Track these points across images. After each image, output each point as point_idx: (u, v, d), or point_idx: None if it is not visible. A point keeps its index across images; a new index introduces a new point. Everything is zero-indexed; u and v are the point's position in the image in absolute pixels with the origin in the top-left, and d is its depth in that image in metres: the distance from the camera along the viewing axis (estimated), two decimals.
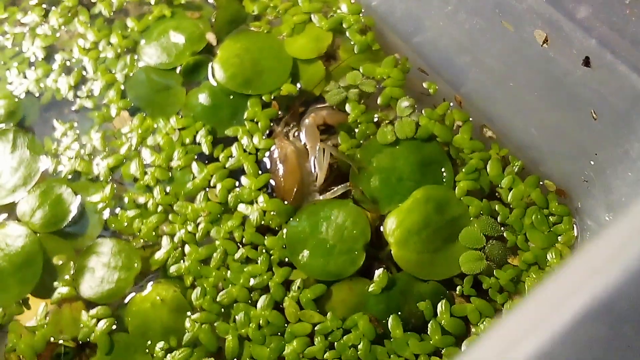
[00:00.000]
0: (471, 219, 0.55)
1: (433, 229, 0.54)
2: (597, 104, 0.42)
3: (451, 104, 0.58)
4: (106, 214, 0.59)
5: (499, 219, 0.54)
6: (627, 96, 0.39)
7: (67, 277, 0.57)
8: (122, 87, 0.64)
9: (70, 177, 0.61)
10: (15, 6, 0.71)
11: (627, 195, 0.44)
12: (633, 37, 0.38)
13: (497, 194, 0.56)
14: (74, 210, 0.59)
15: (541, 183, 0.55)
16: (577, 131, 0.46)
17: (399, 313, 0.52)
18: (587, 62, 0.40)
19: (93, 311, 0.55)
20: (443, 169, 0.57)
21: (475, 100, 0.57)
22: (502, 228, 0.54)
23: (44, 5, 0.70)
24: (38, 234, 0.59)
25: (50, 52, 0.67)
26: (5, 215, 0.60)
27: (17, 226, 0.59)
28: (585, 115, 0.44)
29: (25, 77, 0.66)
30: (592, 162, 0.47)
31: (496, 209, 0.55)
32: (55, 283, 0.57)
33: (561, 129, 0.48)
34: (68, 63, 0.66)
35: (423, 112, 0.59)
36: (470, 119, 0.58)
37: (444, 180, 0.56)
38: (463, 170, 0.56)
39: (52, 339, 0.55)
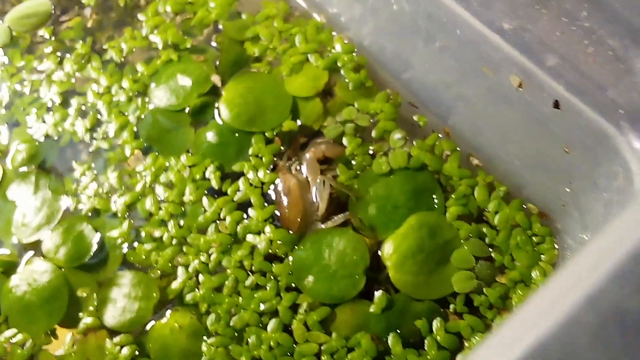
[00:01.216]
0: (461, 241, 0.59)
1: (427, 253, 0.59)
2: (568, 140, 0.47)
3: (440, 135, 0.63)
4: (125, 248, 0.64)
5: (487, 240, 0.59)
6: (592, 134, 0.44)
7: (91, 308, 0.62)
8: (135, 129, 0.69)
9: (90, 214, 0.66)
10: (31, 54, 0.76)
11: (601, 215, 0.49)
12: (596, 83, 0.42)
13: (484, 217, 0.60)
14: (94, 246, 0.64)
15: (524, 206, 0.59)
16: (553, 162, 0.51)
17: (398, 331, 0.57)
18: (556, 104, 0.45)
19: (116, 339, 0.60)
20: (434, 196, 0.62)
21: (462, 131, 0.61)
22: (490, 249, 0.59)
23: (58, 53, 0.75)
24: (62, 269, 0.63)
25: (66, 97, 0.72)
26: (31, 252, 0.65)
27: (43, 262, 0.64)
28: (559, 149, 0.48)
29: (44, 122, 0.71)
30: (567, 189, 0.51)
31: (484, 231, 0.59)
32: (81, 314, 0.62)
33: (539, 159, 0.53)
34: (83, 107, 0.71)
35: (414, 143, 0.63)
36: (458, 148, 0.62)
37: (436, 206, 0.61)
38: (453, 196, 0.61)
39: None
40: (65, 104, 0.72)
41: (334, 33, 0.70)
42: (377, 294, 0.58)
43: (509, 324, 0.37)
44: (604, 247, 0.37)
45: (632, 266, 0.33)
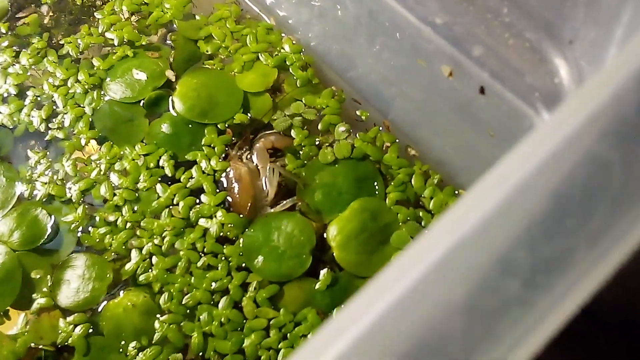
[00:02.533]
0: (400, 224, 0.64)
1: (369, 234, 0.64)
2: (493, 124, 0.53)
3: (380, 128, 0.68)
4: (79, 232, 0.66)
5: (423, 223, 0.64)
6: (513, 116, 0.50)
7: (45, 289, 0.64)
8: (90, 119, 0.71)
9: (44, 200, 0.68)
10: None
11: None
12: (515, 70, 0.48)
13: (421, 202, 0.65)
14: (49, 230, 0.66)
15: (456, 192, 0.65)
16: (481, 148, 0.57)
17: (342, 306, 0.61)
18: (482, 90, 0.51)
19: (70, 318, 0.62)
20: (375, 183, 0.67)
21: (400, 124, 0.67)
22: (426, 231, 0.64)
23: (14, 47, 0.77)
24: (16, 252, 0.65)
25: (22, 89, 0.74)
26: None
27: None
28: (485, 134, 0.54)
29: None
30: None
31: (421, 215, 0.65)
32: (34, 295, 0.63)
33: (469, 146, 0.59)
34: (39, 98, 0.73)
35: (357, 135, 0.68)
36: (397, 140, 0.67)
37: (377, 192, 0.66)
38: (392, 183, 0.66)
39: (32, 345, 0.61)
40: (21, 95, 0.74)
41: (283, 34, 0.74)
42: (323, 272, 0.62)
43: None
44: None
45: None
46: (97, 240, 0.65)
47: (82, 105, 0.72)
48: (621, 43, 0.39)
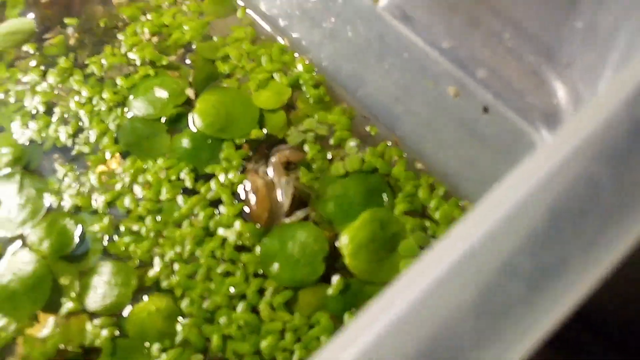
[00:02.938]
0: (408, 233, 0.68)
1: (378, 243, 0.68)
2: (495, 141, 0.57)
3: (389, 144, 0.72)
4: (105, 241, 0.70)
5: (429, 232, 0.68)
6: (514, 134, 0.54)
7: (73, 294, 0.67)
8: (115, 135, 0.76)
9: (72, 211, 0.72)
10: (16, 67, 0.82)
11: None
12: (517, 91, 0.53)
13: (427, 213, 0.69)
14: (76, 239, 0.70)
15: (461, 203, 0.69)
16: (483, 162, 0.61)
17: (353, 310, 0.65)
18: (485, 110, 0.55)
19: (97, 321, 0.66)
20: (384, 195, 0.71)
21: (408, 140, 0.71)
22: (432, 239, 0.68)
23: (42, 67, 0.81)
24: (46, 260, 0.69)
25: (49, 106, 0.78)
26: (17, 245, 0.70)
27: (28, 253, 0.69)
28: (488, 150, 0.58)
29: (28, 128, 0.77)
30: None
31: (427, 225, 0.69)
32: (63, 300, 0.67)
33: (472, 160, 0.63)
34: (66, 115, 0.78)
35: (367, 150, 0.72)
36: (405, 155, 0.72)
37: (385, 203, 0.70)
38: (400, 195, 0.70)
39: (61, 347, 0.65)
40: (48, 112, 0.78)
41: (296, 55, 0.79)
42: (335, 278, 0.66)
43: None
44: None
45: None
46: (122, 248, 0.69)
47: (106, 122, 0.76)
48: (616, 67, 0.43)
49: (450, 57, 0.55)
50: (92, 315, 0.66)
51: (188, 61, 0.80)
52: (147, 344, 0.64)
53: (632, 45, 0.40)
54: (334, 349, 0.29)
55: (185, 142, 0.74)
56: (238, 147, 0.74)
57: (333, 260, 0.67)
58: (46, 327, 0.66)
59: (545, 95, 0.50)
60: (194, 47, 0.81)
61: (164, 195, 0.71)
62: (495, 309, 0.29)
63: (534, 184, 0.31)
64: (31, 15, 0.86)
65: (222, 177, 0.72)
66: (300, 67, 0.78)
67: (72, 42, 0.84)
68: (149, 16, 0.84)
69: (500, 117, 0.53)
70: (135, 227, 0.70)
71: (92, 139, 0.76)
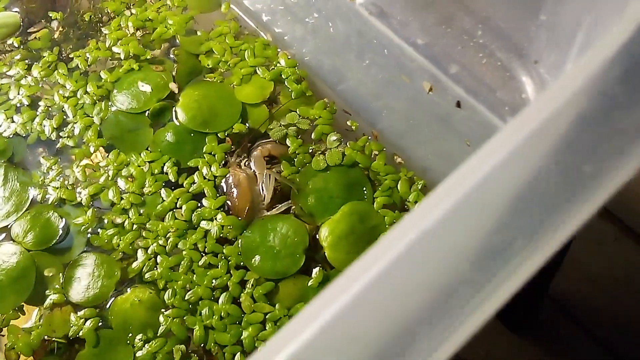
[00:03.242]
0: (387, 226, 0.69)
1: (358, 235, 0.69)
2: (469, 134, 0.58)
3: (369, 138, 0.74)
4: (89, 233, 0.71)
5: None
6: (485, 128, 0.55)
7: (57, 286, 0.68)
8: (99, 128, 0.76)
9: (56, 203, 0.73)
10: (0, 61, 0.82)
11: None
12: (488, 86, 0.54)
13: (406, 206, 0.71)
14: (60, 231, 0.71)
15: None
16: (458, 155, 0.62)
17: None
18: (458, 104, 0.56)
19: (81, 313, 0.67)
20: (364, 189, 0.72)
21: (387, 134, 0.72)
22: None
23: (26, 61, 0.82)
24: (30, 252, 0.70)
25: (34, 100, 0.79)
26: (1, 237, 0.71)
27: (12, 245, 0.70)
28: (462, 144, 0.60)
29: (12, 121, 0.78)
30: None
31: None
32: (47, 291, 0.68)
33: (448, 154, 0.64)
34: (50, 109, 0.78)
35: (348, 144, 0.74)
36: (384, 149, 0.73)
37: (365, 197, 0.71)
38: (380, 189, 0.71)
39: (46, 337, 0.66)
40: (33, 105, 0.79)
41: (279, 50, 0.80)
42: (315, 270, 0.67)
43: None
44: None
45: None
46: (106, 240, 0.70)
47: (90, 115, 0.77)
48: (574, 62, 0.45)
49: (425, 53, 0.56)
50: (76, 306, 0.67)
51: (172, 56, 0.81)
52: (130, 334, 0.66)
53: (588, 42, 0.41)
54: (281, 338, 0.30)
55: (168, 136, 0.75)
56: (221, 140, 0.75)
57: (313, 253, 0.69)
58: (31, 318, 0.67)
59: (515, 91, 0.51)
60: (177, 41, 0.82)
61: (148, 188, 0.72)
62: (444, 289, 0.30)
63: (486, 172, 0.32)
64: (16, 9, 0.87)
65: (204, 171, 0.73)
66: (282, 62, 0.79)
67: (56, 35, 0.84)
68: (133, 10, 0.85)
69: (473, 112, 0.55)
70: (118, 220, 0.71)
71: (77, 132, 0.77)
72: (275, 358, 0.28)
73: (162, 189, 0.72)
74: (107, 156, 0.75)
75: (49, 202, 0.73)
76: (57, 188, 0.73)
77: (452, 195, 0.32)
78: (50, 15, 0.85)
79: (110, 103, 0.78)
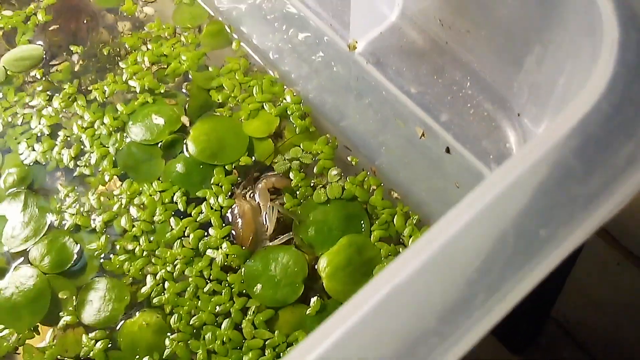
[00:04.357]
0: (382, 258, 0.73)
1: (355, 267, 0.72)
2: (458, 177, 0.62)
3: (368, 173, 0.77)
4: (101, 258, 0.75)
5: None
6: (473, 173, 0.59)
7: (70, 308, 0.73)
8: (114, 158, 0.81)
9: (72, 229, 0.77)
10: (24, 92, 0.88)
11: None
12: (474, 135, 0.57)
13: (401, 240, 0.74)
14: (75, 256, 0.75)
15: None
16: (449, 195, 0.66)
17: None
18: (448, 150, 0.60)
19: (92, 334, 0.71)
20: (362, 222, 0.76)
21: (385, 170, 0.76)
22: None
23: (48, 92, 0.87)
24: (46, 275, 0.74)
25: (54, 130, 0.84)
26: (19, 260, 0.76)
27: (29, 269, 0.75)
28: (452, 185, 0.63)
29: (33, 150, 0.83)
30: None
31: (401, 251, 0.73)
32: (61, 313, 0.72)
33: (441, 192, 0.68)
34: (69, 138, 0.83)
35: (347, 178, 0.77)
36: (382, 184, 0.76)
37: (363, 230, 0.75)
38: (377, 222, 0.75)
39: (59, 357, 0.70)
40: (53, 135, 0.84)
41: (285, 86, 0.84)
42: (313, 299, 0.71)
43: None
44: None
45: None
46: (117, 266, 0.74)
47: (106, 146, 0.82)
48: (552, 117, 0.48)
49: (417, 100, 0.60)
50: (88, 328, 0.72)
51: (184, 90, 0.86)
52: (137, 356, 0.70)
53: (564, 99, 0.45)
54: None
55: (179, 167, 0.80)
56: (228, 172, 0.79)
57: (312, 282, 0.72)
58: (45, 338, 0.71)
59: (499, 140, 0.55)
60: (190, 76, 0.87)
61: (158, 216, 0.77)
62: (413, 339, 0.34)
63: (455, 233, 0.36)
64: (40, 42, 0.92)
65: (212, 201, 0.77)
66: (288, 99, 0.83)
67: (77, 68, 0.89)
68: (149, 46, 0.90)
69: (461, 157, 0.58)
70: (130, 247, 0.75)
71: (93, 161, 0.81)
72: None
73: (172, 218, 0.76)
74: (121, 185, 0.79)
75: (65, 227, 0.77)
76: (73, 214, 0.78)
77: (423, 253, 0.36)
78: (72, 48, 0.90)
79: (125, 134, 0.83)
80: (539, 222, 0.35)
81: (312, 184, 0.78)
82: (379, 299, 0.34)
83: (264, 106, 0.83)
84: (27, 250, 0.76)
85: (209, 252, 0.74)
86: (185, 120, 0.83)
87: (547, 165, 0.36)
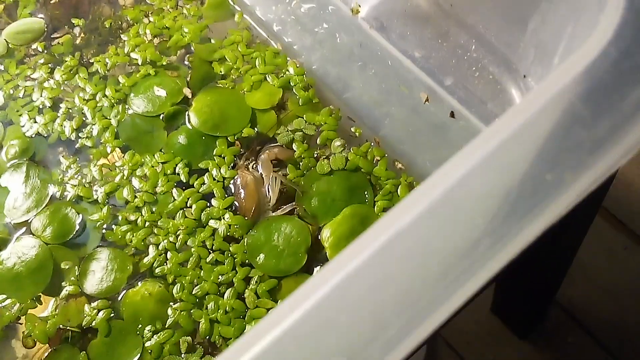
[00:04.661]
0: None
1: (358, 237, 0.72)
2: (463, 143, 0.61)
3: (372, 144, 0.77)
4: (104, 229, 0.75)
5: None
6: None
7: (72, 278, 0.72)
8: (116, 130, 0.81)
9: (74, 200, 0.77)
10: (25, 64, 0.87)
11: None
12: (480, 98, 0.57)
13: None
14: (77, 226, 0.75)
15: None
16: None
17: None
18: (452, 114, 0.59)
19: (94, 304, 0.71)
20: (366, 193, 0.75)
21: (389, 141, 0.75)
22: None
23: (49, 65, 0.86)
24: (49, 245, 0.74)
25: (55, 102, 0.84)
26: (22, 231, 0.76)
27: (32, 239, 0.74)
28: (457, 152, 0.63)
29: (35, 122, 0.82)
30: None
31: None
32: (63, 283, 0.72)
33: (445, 161, 0.67)
34: (70, 111, 0.83)
35: (351, 149, 0.77)
36: (386, 155, 0.76)
37: (367, 201, 0.75)
38: (380, 193, 0.74)
39: (61, 326, 0.70)
40: (54, 107, 0.83)
41: (288, 58, 0.83)
42: (316, 269, 0.70)
43: None
44: None
45: None
46: (119, 236, 0.74)
47: (108, 118, 0.82)
48: None
49: (421, 65, 0.59)
50: (90, 298, 0.71)
51: (186, 62, 0.85)
52: (140, 326, 0.69)
53: (567, 55, 0.44)
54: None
55: (181, 139, 0.79)
56: (230, 144, 0.79)
57: (315, 252, 0.72)
58: (47, 308, 0.71)
59: (505, 103, 0.54)
60: (192, 48, 0.86)
61: (160, 187, 0.76)
62: (416, 285, 0.34)
63: (460, 176, 0.35)
64: (41, 15, 0.91)
65: (214, 172, 0.77)
66: (291, 70, 0.82)
67: (78, 41, 0.89)
68: (151, 18, 0.89)
69: (466, 122, 0.58)
70: (132, 217, 0.75)
71: (95, 133, 0.81)
72: (258, 342, 0.31)
73: (174, 189, 0.76)
74: (123, 157, 0.79)
75: (67, 198, 0.77)
76: (75, 186, 0.77)
77: (427, 197, 0.35)
78: (73, 21, 0.90)
79: (127, 106, 0.82)
80: (545, 167, 0.34)
81: (315, 155, 0.77)
82: (380, 244, 0.34)
83: (267, 78, 0.82)
84: (29, 221, 0.76)
85: (212, 222, 0.74)
86: (187, 92, 0.82)
87: (553, 111, 0.35)
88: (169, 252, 0.72)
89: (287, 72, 0.83)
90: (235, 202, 0.75)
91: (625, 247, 1.20)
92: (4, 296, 0.72)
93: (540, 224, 0.34)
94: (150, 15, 0.89)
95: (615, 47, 0.36)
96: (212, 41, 0.86)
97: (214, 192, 0.75)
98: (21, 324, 0.71)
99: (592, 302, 1.16)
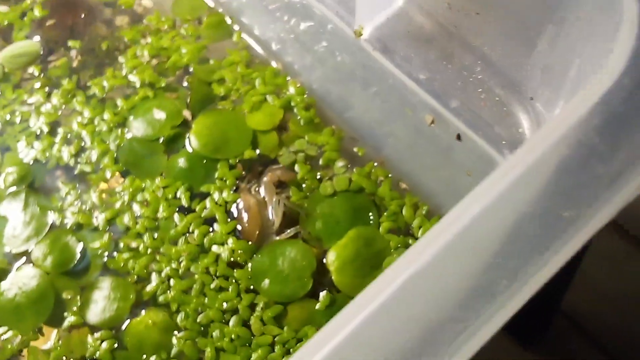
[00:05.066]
0: (392, 250, 0.71)
1: (363, 259, 0.71)
2: (469, 166, 0.60)
3: (375, 164, 0.76)
4: (105, 256, 0.74)
5: None
6: (485, 160, 0.57)
7: (74, 308, 0.71)
8: (115, 155, 0.79)
9: (74, 228, 0.76)
10: (21, 89, 0.86)
11: None
12: (486, 121, 0.56)
13: (410, 231, 0.73)
14: (78, 255, 0.74)
15: None
16: (461, 185, 0.64)
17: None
18: (459, 137, 0.58)
19: (97, 334, 0.69)
20: (370, 214, 0.74)
21: (393, 161, 0.74)
22: None
23: (46, 89, 0.85)
24: (49, 275, 0.73)
25: (53, 127, 0.82)
26: (22, 260, 0.74)
27: (32, 269, 0.73)
28: (463, 174, 0.62)
29: (33, 147, 0.81)
30: None
31: (410, 242, 0.72)
32: (65, 313, 0.71)
33: (451, 182, 0.66)
34: (69, 135, 0.81)
35: (354, 170, 0.76)
36: (390, 175, 0.75)
37: (371, 222, 0.73)
38: (385, 214, 0.73)
39: (64, 358, 0.69)
40: (52, 132, 0.82)
41: (288, 78, 0.82)
42: (322, 294, 0.69)
43: None
44: None
45: None
46: (121, 264, 0.73)
47: (107, 142, 0.80)
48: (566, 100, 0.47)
49: (426, 87, 0.58)
50: (93, 328, 0.70)
51: (185, 83, 0.84)
52: (144, 356, 0.68)
53: (578, 81, 0.43)
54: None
55: (181, 162, 0.78)
56: (232, 166, 0.78)
57: (321, 276, 0.71)
58: (50, 340, 0.70)
59: (512, 126, 0.53)
60: (191, 69, 0.85)
61: (161, 213, 0.75)
62: (433, 326, 0.33)
63: (475, 216, 0.34)
64: (37, 38, 0.90)
65: (216, 196, 0.76)
66: (292, 90, 0.81)
67: (75, 64, 0.88)
68: (148, 39, 0.88)
69: (473, 144, 0.57)
70: (133, 244, 0.74)
71: (94, 158, 0.80)
72: None
73: (176, 214, 0.75)
74: (123, 181, 0.78)
75: (67, 226, 0.76)
76: (75, 213, 0.76)
77: (444, 237, 0.34)
78: (69, 44, 0.89)
79: (126, 130, 0.81)
80: (561, 204, 0.33)
81: (318, 177, 0.76)
82: (396, 287, 0.33)
83: (267, 98, 0.81)
84: (29, 250, 0.74)
85: (215, 248, 0.72)
86: (187, 114, 0.81)
87: (568, 145, 0.34)
88: (172, 280, 0.71)
89: (287, 92, 0.81)
90: (238, 226, 0.74)
91: (627, 253, 1.19)
92: (5, 328, 0.71)
93: (558, 262, 0.33)
94: (147, 35, 0.88)
95: (629, 76, 0.35)
96: (211, 61, 0.85)
97: (217, 216, 0.74)
98: (23, 356, 0.70)
99: (595, 310, 1.14)
